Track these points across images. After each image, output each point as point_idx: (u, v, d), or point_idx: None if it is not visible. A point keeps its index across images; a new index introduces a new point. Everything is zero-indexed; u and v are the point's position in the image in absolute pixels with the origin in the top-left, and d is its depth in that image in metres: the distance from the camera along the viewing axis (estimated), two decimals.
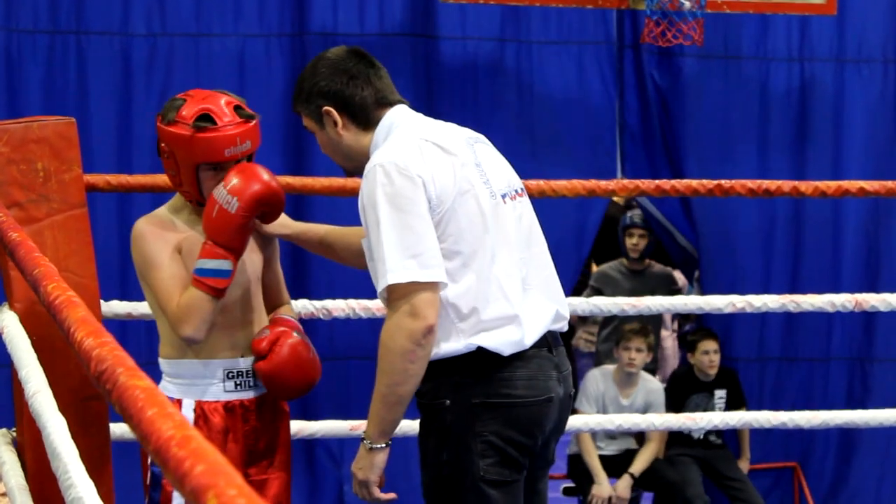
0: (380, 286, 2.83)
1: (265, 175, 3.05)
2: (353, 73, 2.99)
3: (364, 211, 2.86)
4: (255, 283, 3.25)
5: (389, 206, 2.80)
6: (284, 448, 3.27)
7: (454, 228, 2.86)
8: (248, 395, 3.19)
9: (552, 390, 2.97)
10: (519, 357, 2.92)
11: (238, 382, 3.17)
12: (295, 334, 3.20)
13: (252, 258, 3.25)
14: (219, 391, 3.16)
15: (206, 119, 3.07)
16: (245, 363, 3.18)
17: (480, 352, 2.89)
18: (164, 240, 3.15)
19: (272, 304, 3.35)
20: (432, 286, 2.81)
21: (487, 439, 2.89)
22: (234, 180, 3.02)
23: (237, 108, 3.12)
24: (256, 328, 3.19)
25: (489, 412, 2.90)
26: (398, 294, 2.80)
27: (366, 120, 2.98)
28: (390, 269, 2.79)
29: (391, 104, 3.01)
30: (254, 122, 3.14)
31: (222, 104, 3.11)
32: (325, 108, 2.98)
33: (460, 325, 2.88)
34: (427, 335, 2.81)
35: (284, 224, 3.33)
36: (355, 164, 3.02)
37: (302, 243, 3.41)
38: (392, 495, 2.98)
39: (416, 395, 2.96)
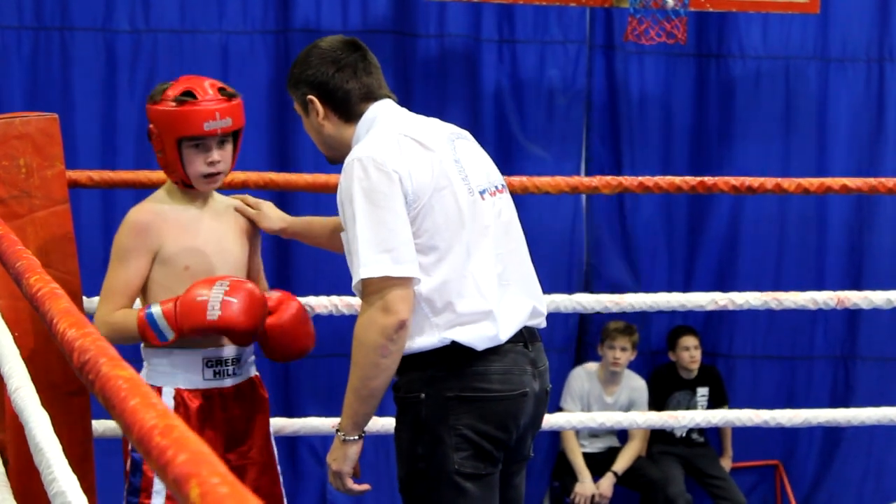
0: (354, 280, 2.85)
1: (258, 314, 3.10)
2: (341, 64, 3.00)
3: (342, 205, 2.89)
4: (239, 272, 3.29)
5: (365, 201, 2.82)
6: (263, 434, 3.32)
7: (430, 224, 2.87)
8: (226, 383, 3.23)
9: (527, 385, 2.98)
10: (494, 351, 2.94)
11: (217, 371, 3.21)
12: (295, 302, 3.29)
13: (238, 247, 3.31)
14: (198, 379, 3.20)
15: (187, 95, 3.14)
16: (225, 352, 3.22)
17: (454, 346, 2.91)
18: (144, 240, 3.18)
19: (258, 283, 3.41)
20: (405, 281, 2.83)
21: (462, 433, 2.91)
22: (236, 300, 3.05)
23: (221, 89, 3.19)
24: None
25: (463, 406, 2.92)
26: (372, 288, 2.82)
27: (348, 112, 3.00)
28: (364, 263, 2.80)
29: (376, 98, 3.02)
30: (235, 100, 3.20)
31: (206, 84, 3.18)
32: (310, 96, 3.00)
33: (434, 319, 2.89)
34: (399, 330, 2.83)
35: (283, 219, 3.40)
36: (336, 154, 3.04)
37: (301, 238, 3.47)
38: (366, 486, 3.01)
39: (392, 388, 2.99)
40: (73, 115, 5.32)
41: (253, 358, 3.33)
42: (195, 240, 3.22)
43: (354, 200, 2.83)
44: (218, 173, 3.21)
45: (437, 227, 2.88)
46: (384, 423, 4.18)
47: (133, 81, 5.45)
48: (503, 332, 2.95)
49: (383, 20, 5.68)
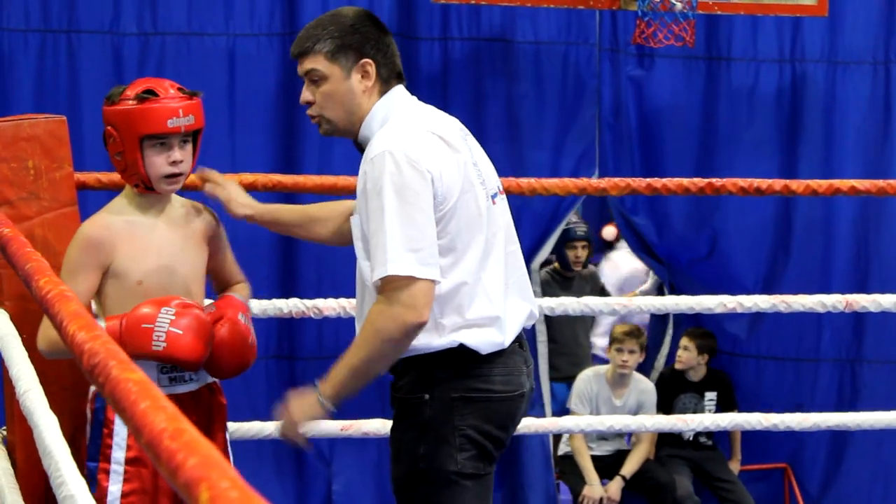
0: (376, 274, 2.82)
1: (203, 346, 3.04)
2: (387, 40, 3.01)
3: (366, 195, 2.85)
4: (194, 281, 3.25)
5: (396, 196, 2.80)
6: (221, 440, 3.28)
7: (454, 227, 2.87)
8: (182, 389, 3.19)
9: (524, 385, 3.03)
10: (497, 353, 2.96)
11: (173, 377, 3.17)
12: (240, 316, 3.22)
13: (195, 255, 3.27)
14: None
15: (148, 93, 3.10)
16: None
17: (461, 348, 2.92)
18: (95, 256, 3.14)
19: (223, 286, 3.39)
20: (429, 283, 2.82)
21: (466, 433, 2.92)
22: (179, 330, 3.00)
23: (180, 89, 3.15)
24: None
25: (468, 406, 2.93)
26: (395, 285, 2.80)
27: (382, 87, 2.99)
28: (391, 259, 2.78)
29: (398, 80, 3.02)
30: (196, 98, 3.16)
31: (165, 84, 3.15)
32: (366, 61, 2.96)
33: (442, 320, 2.90)
34: (417, 329, 2.83)
35: (251, 205, 3.35)
36: (348, 126, 2.99)
37: (268, 225, 3.41)
38: (310, 446, 3.00)
39: (392, 388, 3.00)
40: (81, 118, 5.31)
41: None
42: (148, 253, 3.17)
43: (384, 194, 2.80)
44: (180, 174, 3.16)
45: (459, 229, 2.88)
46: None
47: None
48: (508, 337, 2.97)
49: (388, 23, 5.65)
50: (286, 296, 4.70)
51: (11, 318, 3.22)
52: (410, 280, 2.79)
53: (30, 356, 2.82)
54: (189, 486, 1.20)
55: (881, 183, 4.54)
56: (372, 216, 2.83)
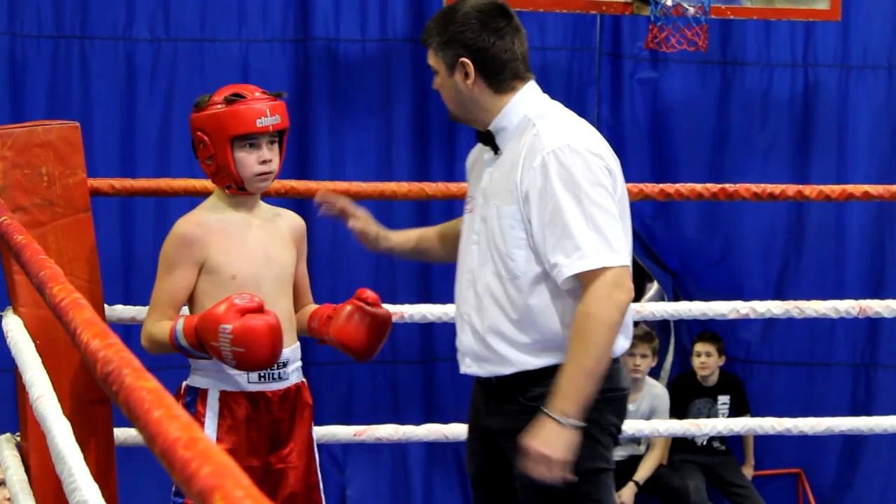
0: (581, 266, 2.85)
1: (272, 348, 3.02)
2: (501, 33, 2.99)
3: (550, 187, 2.87)
4: (286, 280, 3.32)
5: (590, 188, 2.87)
6: (304, 440, 3.32)
7: (621, 221, 2.95)
8: (272, 387, 3.24)
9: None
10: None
11: (262, 375, 3.22)
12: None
13: (284, 256, 3.33)
14: (243, 382, 3.21)
15: (236, 96, 3.19)
16: None
17: None
18: (189, 252, 3.20)
19: (300, 303, 3.44)
20: (627, 269, 2.90)
21: (610, 431, 3.02)
22: (243, 348, 2.97)
23: (264, 92, 3.25)
24: (283, 321, 3.19)
25: (610, 405, 3.01)
26: (604, 277, 2.85)
27: (498, 84, 2.99)
28: (598, 252, 2.85)
29: (525, 77, 3.03)
30: (280, 100, 3.26)
31: (250, 87, 3.26)
32: (464, 59, 2.97)
33: None
34: (626, 308, 2.89)
35: (387, 237, 3.39)
36: (468, 117, 3.05)
37: (411, 255, 3.50)
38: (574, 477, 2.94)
39: (531, 400, 2.96)
40: (94, 124, 5.32)
41: (299, 364, 3.34)
42: (242, 248, 3.24)
43: (578, 186, 2.86)
44: (270, 172, 3.24)
45: (623, 225, 2.96)
46: (405, 431, 4.17)
47: (153, 90, 5.46)
48: (631, 334, 3.11)
49: (402, 28, 5.68)
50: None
51: (25, 325, 3.23)
52: (616, 269, 2.86)
53: (43, 362, 2.83)
54: (203, 495, 1.20)
55: (894, 188, 4.52)
56: (564, 208, 2.87)
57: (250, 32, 5.56)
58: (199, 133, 3.21)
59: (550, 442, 2.86)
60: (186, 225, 3.24)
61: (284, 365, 3.25)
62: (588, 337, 2.85)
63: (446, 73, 3.00)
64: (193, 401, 3.22)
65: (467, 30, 2.97)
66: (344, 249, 5.62)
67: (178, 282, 3.19)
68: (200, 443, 1.28)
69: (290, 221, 3.39)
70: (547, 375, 2.93)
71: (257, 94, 3.21)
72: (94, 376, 1.67)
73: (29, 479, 3.27)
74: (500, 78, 2.99)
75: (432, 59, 3.03)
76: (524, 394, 3.00)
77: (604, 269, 2.85)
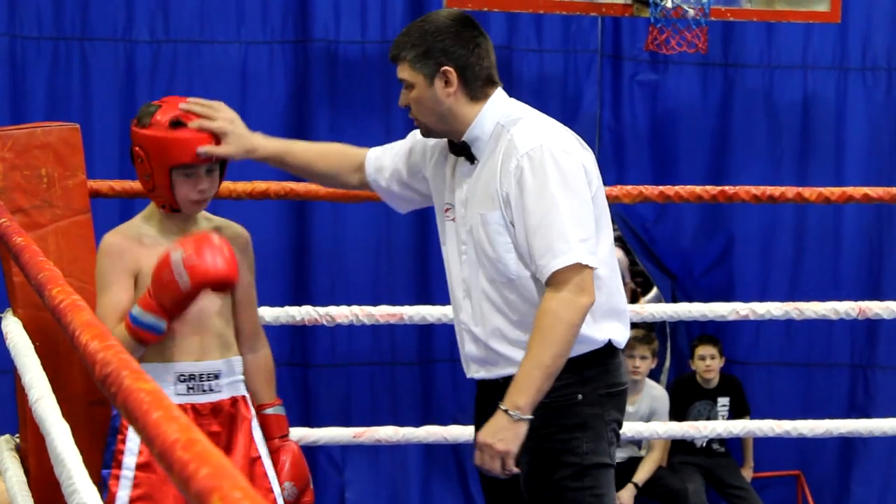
0: (555, 264, 2.88)
1: (224, 256, 2.99)
2: (477, 41, 3.02)
3: (524, 188, 2.91)
4: (224, 298, 3.22)
5: (563, 188, 2.90)
6: (243, 453, 3.22)
7: (594, 218, 2.97)
8: (201, 399, 3.17)
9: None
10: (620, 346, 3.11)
11: (191, 387, 3.16)
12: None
13: None
14: (170, 394, 3.12)
15: (178, 123, 3.10)
16: (200, 367, 3.17)
17: (608, 345, 3.05)
18: (122, 262, 3.14)
19: (242, 315, 3.30)
20: (592, 270, 2.92)
21: (613, 427, 3.07)
22: (192, 254, 2.95)
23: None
24: (214, 335, 3.18)
25: (612, 401, 3.07)
26: (569, 274, 2.88)
27: (474, 92, 3.01)
28: (572, 249, 2.88)
29: (496, 83, 3.06)
30: None
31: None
32: (447, 68, 2.99)
33: (596, 316, 2.99)
34: (587, 312, 2.91)
35: (250, 150, 3.21)
36: (444, 128, 3.04)
37: (278, 164, 3.35)
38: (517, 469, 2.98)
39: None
40: (93, 125, 5.32)
41: (236, 378, 3.24)
42: None
43: (551, 186, 2.89)
44: (206, 199, 3.17)
45: (597, 221, 2.98)
46: (405, 433, 4.17)
47: (153, 91, 5.45)
48: (629, 329, 3.15)
49: (398, 30, 5.67)
50: (298, 303, 4.70)
51: (25, 327, 3.23)
52: (582, 268, 2.89)
53: (43, 364, 2.83)
54: (201, 497, 1.20)
55: (894, 190, 4.53)
56: (539, 208, 2.90)
57: (250, 34, 5.56)
58: (137, 149, 3.13)
59: (499, 434, 2.91)
60: (113, 237, 3.19)
61: (216, 377, 3.18)
62: (549, 335, 2.88)
63: (425, 84, 3.00)
64: (118, 414, 3.12)
65: (446, 38, 2.99)
66: (343, 250, 5.62)
67: (116, 294, 3.11)
68: (199, 444, 1.28)
69: (231, 234, 3.25)
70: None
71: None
72: (92, 378, 1.67)
73: (28, 480, 3.26)
74: (477, 85, 3.01)
75: (406, 73, 3.02)
76: None
77: (576, 266, 2.88)
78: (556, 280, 2.89)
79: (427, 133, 3.09)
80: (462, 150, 3.04)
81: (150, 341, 3.06)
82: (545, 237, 2.90)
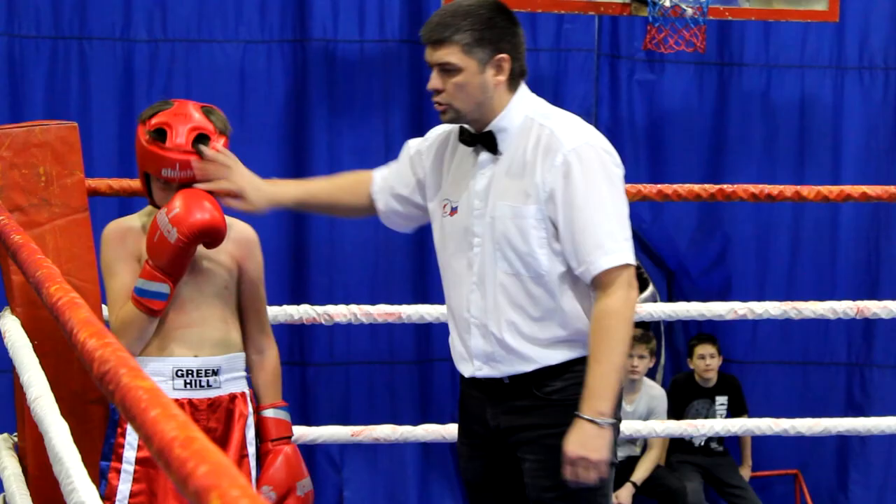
0: (607, 262, 2.90)
1: (208, 206, 3.03)
2: (521, 32, 3.03)
3: (571, 183, 2.90)
4: (220, 287, 3.23)
5: (610, 187, 2.94)
6: (238, 451, 3.22)
7: None
8: (198, 395, 3.18)
9: None
10: None
11: (188, 382, 3.17)
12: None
13: (217, 259, 3.22)
14: (167, 389, 3.13)
15: (160, 133, 3.09)
16: (198, 363, 3.17)
17: None
18: (125, 247, 3.18)
19: (248, 312, 3.30)
20: (634, 268, 2.97)
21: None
22: (176, 208, 3.02)
23: (200, 137, 3.10)
24: (213, 329, 3.18)
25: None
26: (621, 271, 2.91)
27: (513, 82, 3.01)
28: (621, 248, 2.92)
29: (523, 76, 3.05)
30: (197, 155, 3.09)
31: (184, 129, 3.10)
32: (502, 56, 2.96)
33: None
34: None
35: (273, 203, 3.22)
36: (475, 116, 2.99)
37: (302, 209, 3.44)
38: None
39: (548, 394, 3.00)
40: (92, 124, 5.33)
41: (237, 374, 3.24)
42: None
43: (599, 184, 2.92)
44: None
45: None
46: (403, 431, 4.17)
47: (150, 90, 5.46)
48: None
49: (399, 30, 5.68)
50: (297, 302, 4.70)
51: (22, 325, 3.23)
52: (629, 266, 2.93)
53: (41, 363, 2.82)
54: (199, 495, 1.20)
55: (892, 188, 4.53)
56: (588, 205, 2.91)
57: (248, 33, 5.56)
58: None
59: (591, 444, 2.90)
60: (115, 225, 3.24)
61: (215, 373, 3.18)
62: (614, 334, 2.90)
63: (476, 70, 2.95)
64: (116, 409, 3.11)
65: (503, 26, 2.97)
66: (341, 249, 5.62)
67: (123, 278, 3.15)
68: (197, 442, 1.28)
69: (237, 233, 3.25)
70: (566, 370, 2.98)
71: (180, 139, 3.07)
72: (91, 376, 1.67)
73: (26, 479, 3.26)
74: (517, 76, 3.01)
75: (455, 57, 2.94)
76: (541, 388, 3.01)
77: (626, 265, 2.92)
78: (606, 279, 2.91)
79: (454, 119, 3.01)
80: (484, 139, 3.01)
81: (157, 309, 3.09)
82: (594, 235, 2.90)
